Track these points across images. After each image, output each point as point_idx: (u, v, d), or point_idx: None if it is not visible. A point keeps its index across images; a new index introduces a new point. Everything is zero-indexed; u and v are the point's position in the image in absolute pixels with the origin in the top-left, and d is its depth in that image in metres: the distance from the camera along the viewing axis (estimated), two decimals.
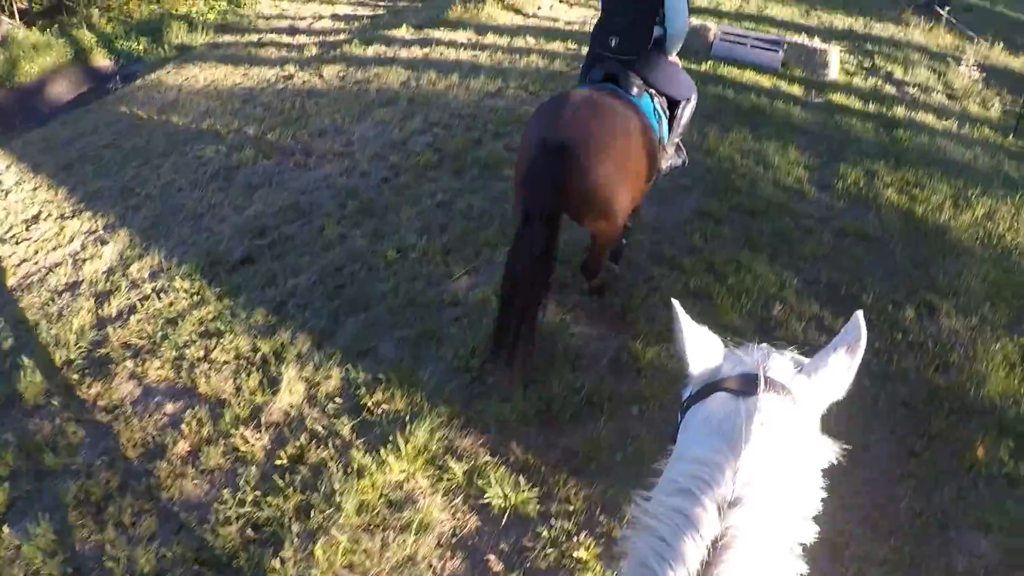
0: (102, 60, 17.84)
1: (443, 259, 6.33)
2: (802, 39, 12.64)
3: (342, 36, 15.63)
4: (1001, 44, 17.48)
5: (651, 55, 4.57)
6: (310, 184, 7.97)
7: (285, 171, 8.36)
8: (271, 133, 9.38)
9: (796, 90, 11.08)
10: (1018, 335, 5.90)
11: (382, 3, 19.96)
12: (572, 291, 5.60)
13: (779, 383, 1.36)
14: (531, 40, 13.28)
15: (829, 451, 1.40)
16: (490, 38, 13.46)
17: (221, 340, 5.64)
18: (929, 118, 10.78)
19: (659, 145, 4.65)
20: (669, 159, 5.03)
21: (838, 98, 10.90)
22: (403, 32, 14.28)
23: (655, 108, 4.63)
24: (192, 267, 6.56)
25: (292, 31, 17.22)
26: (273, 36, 16.83)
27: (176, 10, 20.87)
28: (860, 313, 1.51)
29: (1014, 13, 32.38)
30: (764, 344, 1.54)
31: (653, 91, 4.63)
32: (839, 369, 1.43)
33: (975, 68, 13.67)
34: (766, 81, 11.28)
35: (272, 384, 5.16)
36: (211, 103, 11.46)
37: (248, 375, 5.25)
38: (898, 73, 13.11)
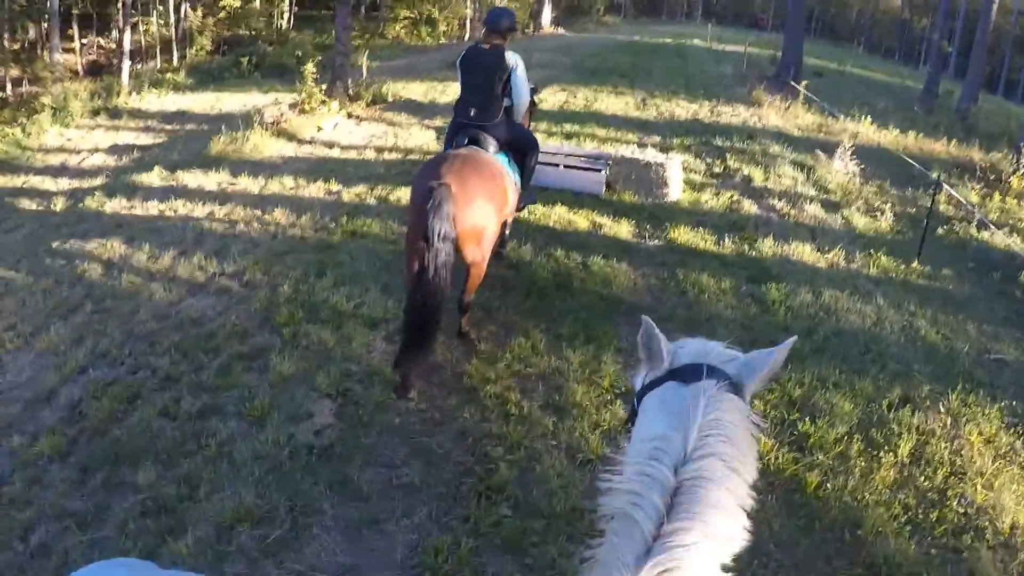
0: None
1: None
2: (632, 151, 9.54)
3: (98, 181, 12.22)
4: (867, 117, 15.20)
5: (502, 121, 5.73)
6: None
7: None
8: None
9: (624, 230, 7.93)
10: None
11: (168, 127, 16.70)
12: None
13: (718, 370, 1.55)
14: (288, 182, 10.04)
15: (758, 423, 1.53)
16: (242, 182, 10.23)
17: None
18: (807, 251, 7.77)
19: (516, 186, 5.75)
20: (523, 199, 6.15)
21: (682, 235, 7.81)
22: (154, 177, 11.08)
23: (509, 160, 5.76)
24: None
25: (59, 171, 13.85)
26: (36, 180, 13.36)
27: None
28: (793, 339, 1.72)
29: (865, 71, 31.30)
30: (702, 338, 1.72)
31: (506, 147, 5.78)
32: (765, 363, 1.59)
33: (851, 159, 10.99)
34: (582, 220, 8.11)
35: None
36: None
37: None
38: (757, 178, 10.25)
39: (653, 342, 1.66)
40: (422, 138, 12.37)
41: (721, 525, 1.35)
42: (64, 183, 12.78)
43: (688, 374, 1.56)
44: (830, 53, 36.99)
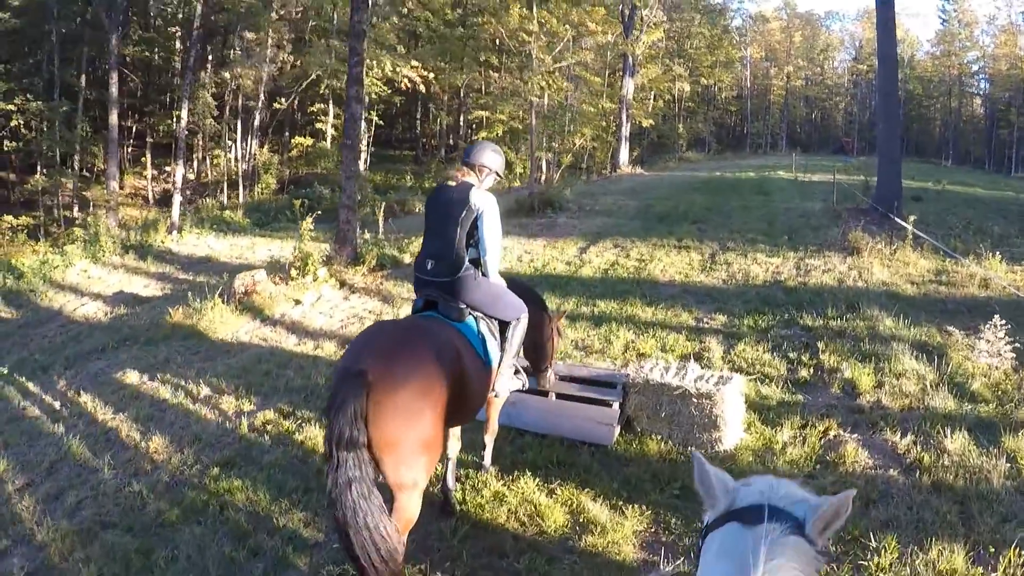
0: None
1: None
2: (664, 371, 5.98)
3: (59, 339, 10.96)
4: (996, 254, 11.33)
5: (468, 277, 4.22)
6: None
7: None
8: None
9: (626, 534, 4.38)
10: None
11: (182, 276, 14.99)
12: None
13: (782, 511, 1.43)
14: (205, 388, 7.68)
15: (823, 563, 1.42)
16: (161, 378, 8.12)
17: None
18: (959, 563, 4.10)
19: (486, 368, 4.18)
20: (507, 382, 4.52)
21: None
22: (97, 356, 9.49)
23: (479, 332, 4.22)
24: None
25: (46, 318, 12.75)
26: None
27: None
28: (852, 492, 1.55)
29: (963, 188, 26.47)
30: (770, 476, 1.59)
31: (478, 314, 4.26)
32: (835, 508, 1.47)
33: (1002, 338, 7.16)
34: (557, 512, 4.62)
35: None
36: None
37: None
38: (865, 384, 6.54)
39: (705, 479, 1.60)
40: None
41: None
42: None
43: (749, 516, 1.46)
44: (921, 172, 32.52)
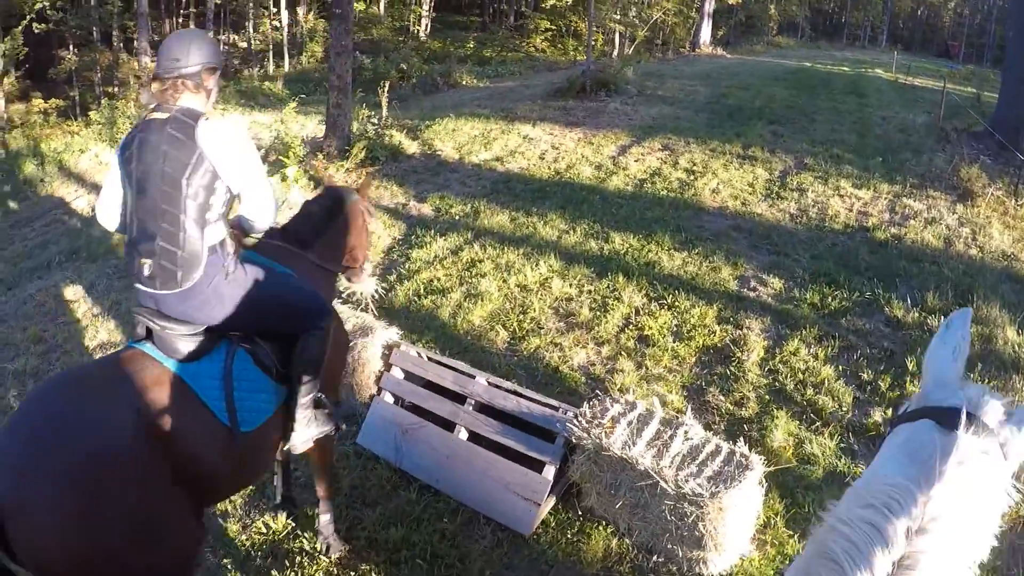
0: None
1: None
2: (628, 422, 3.46)
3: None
4: None
5: (207, 279, 2.46)
6: None
7: None
8: None
9: None
10: None
11: None
12: None
13: (985, 424, 1.24)
14: (103, 333, 6.30)
15: (1013, 499, 1.24)
16: (79, 305, 6.98)
17: None
18: None
19: (229, 434, 2.42)
20: (305, 430, 2.78)
21: None
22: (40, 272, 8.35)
23: (224, 370, 2.47)
24: None
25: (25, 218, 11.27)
26: None
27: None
28: None
29: None
30: (983, 386, 1.37)
31: (234, 335, 2.57)
32: None
33: None
34: None
35: None
36: None
37: None
38: None
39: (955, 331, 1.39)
40: (377, 245, 7.11)
41: None
42: None
43: (947, 418, 1.25)
44: None
